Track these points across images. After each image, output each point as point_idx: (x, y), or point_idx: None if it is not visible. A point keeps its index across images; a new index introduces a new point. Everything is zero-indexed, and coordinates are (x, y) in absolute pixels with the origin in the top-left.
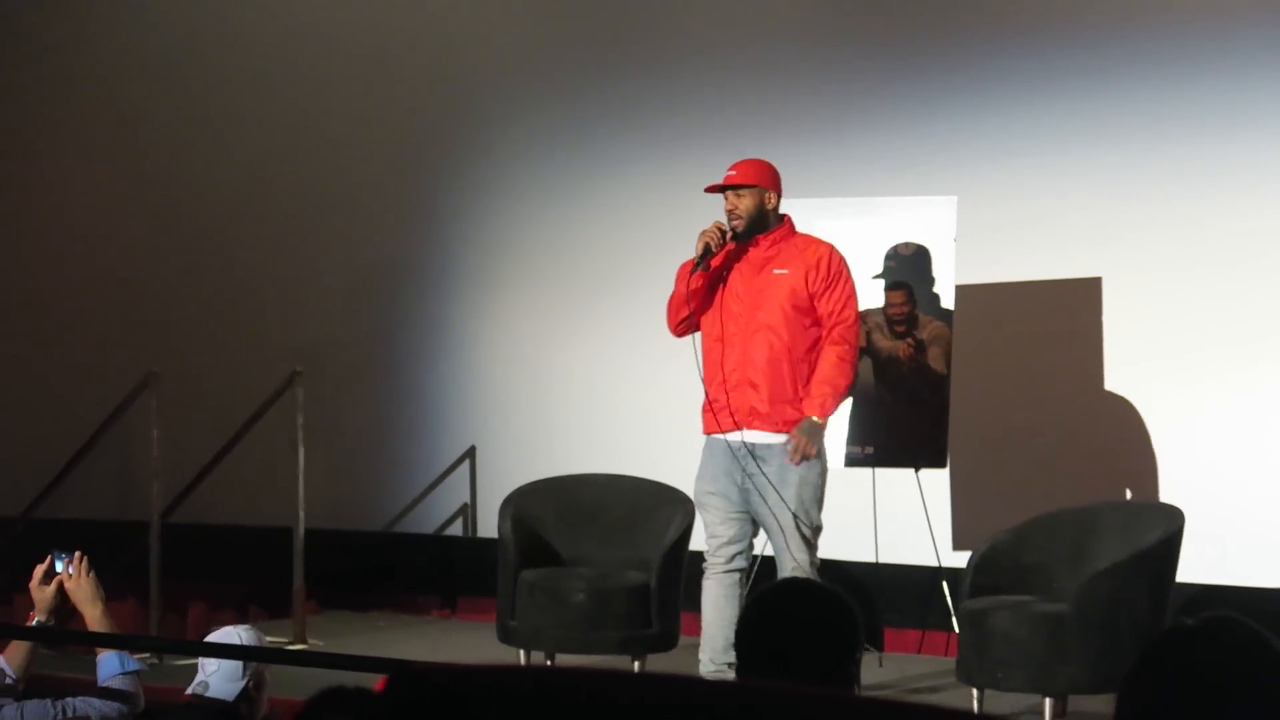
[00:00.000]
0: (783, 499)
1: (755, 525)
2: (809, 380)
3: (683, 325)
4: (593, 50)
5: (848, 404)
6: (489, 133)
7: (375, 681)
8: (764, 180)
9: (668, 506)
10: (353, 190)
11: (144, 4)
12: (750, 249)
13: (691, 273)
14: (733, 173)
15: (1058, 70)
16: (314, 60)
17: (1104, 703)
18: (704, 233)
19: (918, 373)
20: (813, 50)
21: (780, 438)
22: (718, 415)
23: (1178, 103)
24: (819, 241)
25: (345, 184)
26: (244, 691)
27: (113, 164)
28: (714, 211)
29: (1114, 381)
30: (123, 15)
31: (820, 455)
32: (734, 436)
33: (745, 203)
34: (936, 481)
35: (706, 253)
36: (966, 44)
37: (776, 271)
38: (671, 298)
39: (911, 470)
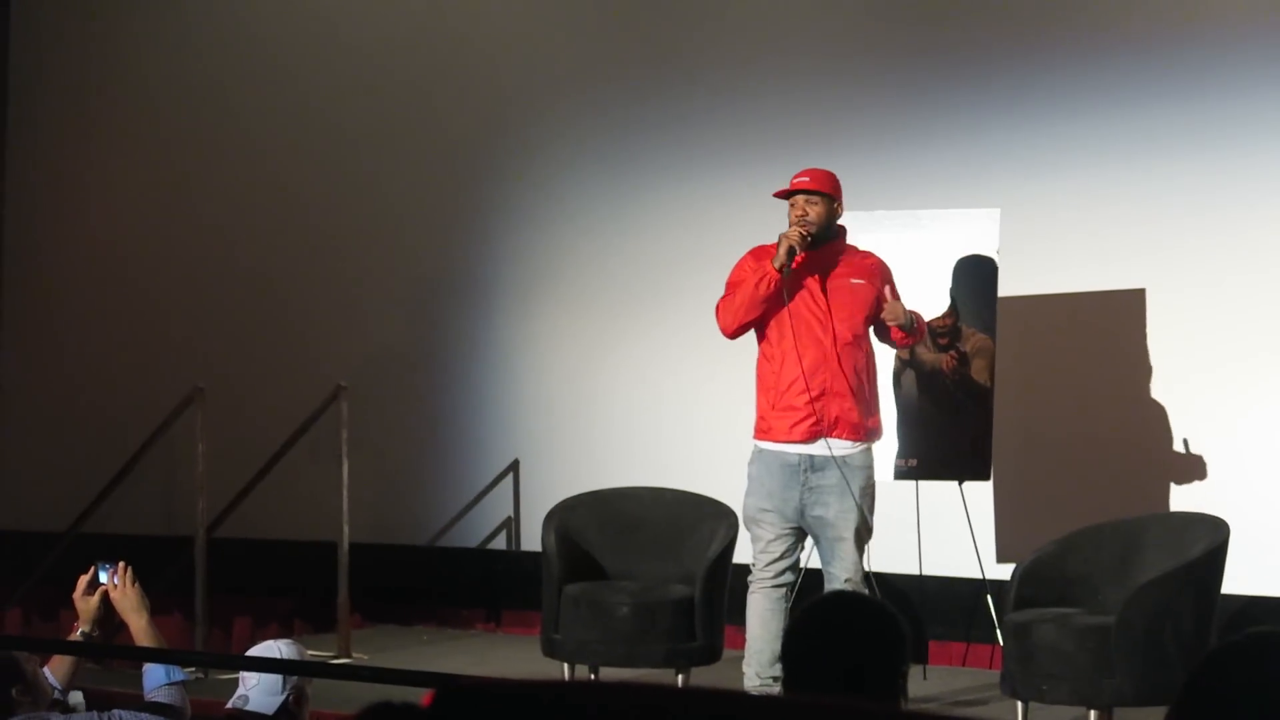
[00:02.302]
0: (849, 509)
1: (803, 540)
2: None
3: (743, 329)
4: (637, 64)
5: (892, 418)
6: (531, 145)
7: (421, 696)
8: (835, 190)
9: (711, 520)
10: (395, 205)
11: (186, 25)
12: (825, 259)
13: (784, 274)
14: (805, 179)
15: (1100, 83)
16: (355, 78)
17: (1150, 716)
18: (785, 235)
19: (961, 385)
20: (856, 64)
21: (852, 446)
22: (798, 424)
23: (1222, 113)
24: (868, 252)
25: (388, 199)
26: (284, 706)
27: (156, 184)
28: (756, 222)
29: (1158, 393)
30: (165, 37)
31: (869, 464)
32: (805, 448)
33: (817, 209)
34: (980, 494)
35: (791, 254)
36: (1009, 58)
37: (854, 282)
38: (733, 301)
39: (955, 483)
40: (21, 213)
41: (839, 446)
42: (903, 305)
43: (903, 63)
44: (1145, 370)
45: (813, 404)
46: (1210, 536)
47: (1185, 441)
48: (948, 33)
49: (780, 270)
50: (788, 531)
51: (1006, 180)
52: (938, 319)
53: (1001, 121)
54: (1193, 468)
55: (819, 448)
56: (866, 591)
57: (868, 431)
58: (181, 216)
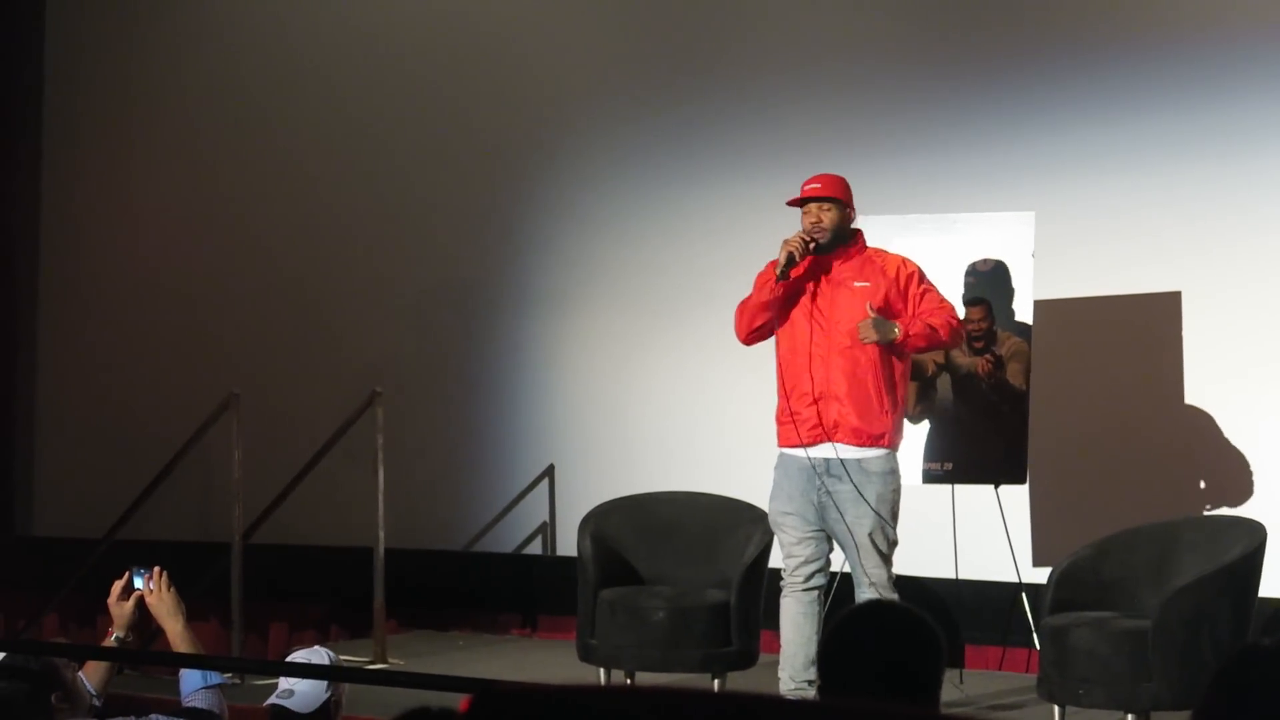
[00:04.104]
0: (863, 515)
1: (831, 542)
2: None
3: (755, 334)
4: (670, 72)
5: (924, 423)
6: (565, 151)
7: (459, 701)
8: (846, 195)
9: (747, 524)
10: (430, 211)
11: (221, 33)
12: (829, 263)
13: (778, 280)
14: (817, 185)
15: (1135, 86)
16: (391, 86)
17: None
18: (787, 241)
19: (997, 389)
20: (890, 67)
21: (862, 452)
22: (799, 428)
23: (1257, 116)
24: (889, 253)
25: (423, 204)
26: (324, 706)
27: (191, 192)
28: (788, 228)
29: (1194, 395)
30: (201, 46)
31: (895, 469)
32: (814, 451)
33: (829, 216)
34: (1016, 497)
35: (790, 262)
36: (1043, 60)
37: (858, 285)
38: (745, 305)
39: (991, 486)
40: (58, 221)
41: (846, 451)
42: (874, 323)
43: (936, 67)
44: (1181, 373)
45: (810, 408)
46: (1247, 540)
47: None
48: (981, 37)
49: (779, 277)
50: (811, 535)
51: (1041, 183)
52: (972, 323)
53: (1036, 125)
54: (1229, 470)
55: (827, 451)
56: (895, 597)
57: (874, 437)
58: (217, 224)
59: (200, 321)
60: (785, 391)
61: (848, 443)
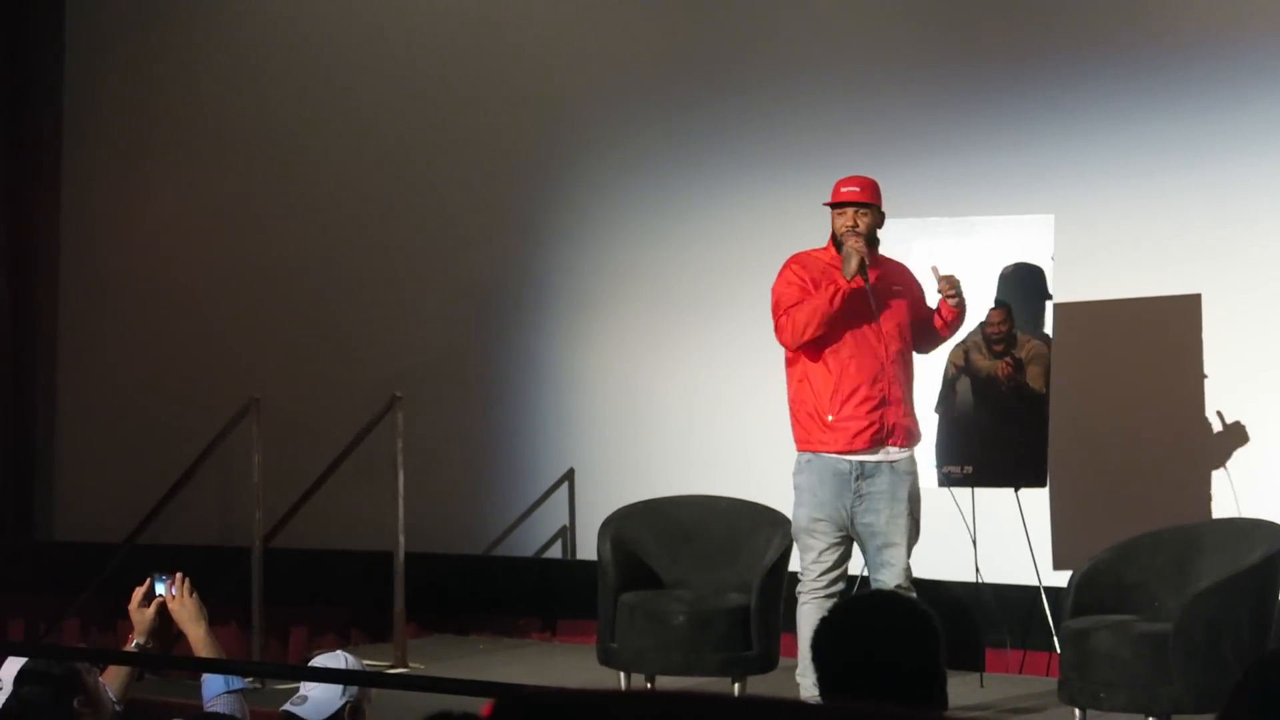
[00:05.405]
0: (899, 514)
1: (851, 547)
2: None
3: (809, 343)
4: (688, 75)
5: (933, 424)
6: (584, 156)
7: (480, 705)
8: (880, 199)
9: (767, 528)
10: (450, 215)
11: (239, 36)
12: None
13: (851, 279)
14: (856, 189)
15: (1154, 88)
16: (408, 89)
17: None
18: (853, 246)
19: (1017, 392)
20: (909, 71)
21: (902, 453)
22: (851, 433)
23: (1277, 118)
24: (892, 258)
25: (443, 209)
26: (338, 713)
27: (211, 196)
28: (806, 231)
29: (1214, 398)
30: (219, 49)
31: (914, 470)
32: (860, 456)
33: (866, 220)
34: (1036, 500)
35: (862, 265)
36: (1062, 63)
37: (895, 288)
38: (803, 312)
39: (1011, 489)
40: (78, 226)
41: (894, 453)
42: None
43: (956, 69)
44: (1201, 375)
45: (873, 413)
46: (1268, 543)
47: (1229, 425)
48: (1000, 40)
49: (863, 280)
50: (839, 540)
51: (1061, 186)
52: (992, 326)
53: (1055, 127)
54: (1250, 473)
55: (876, 455)
56: (914, 596)
57: (913, 438)
58: (237, 228)
59: (220, 326)
60: (840, 396)
61: (900, 445)
